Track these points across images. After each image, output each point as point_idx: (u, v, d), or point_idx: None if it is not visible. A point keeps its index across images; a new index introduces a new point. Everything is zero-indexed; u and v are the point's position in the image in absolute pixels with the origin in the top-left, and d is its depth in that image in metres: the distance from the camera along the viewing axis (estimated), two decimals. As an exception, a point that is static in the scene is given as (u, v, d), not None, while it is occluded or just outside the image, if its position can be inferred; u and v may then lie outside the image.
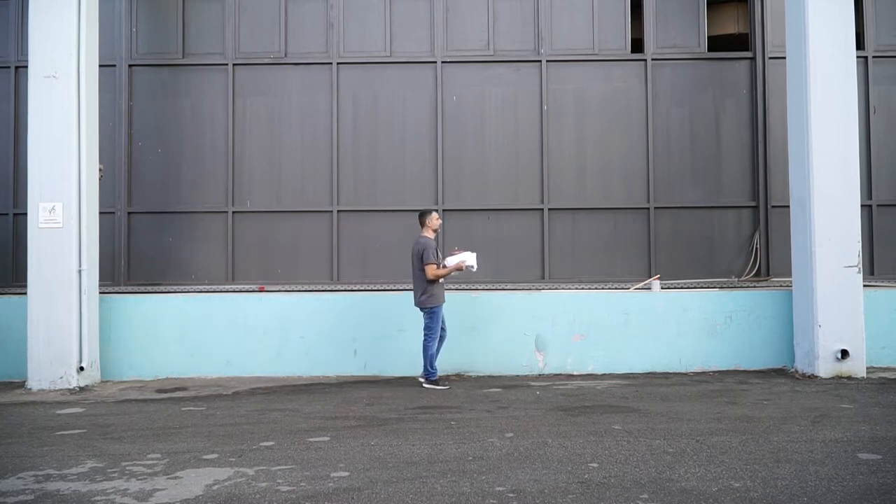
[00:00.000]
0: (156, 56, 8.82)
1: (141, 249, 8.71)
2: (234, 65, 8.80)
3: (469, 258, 7.05)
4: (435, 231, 7.23)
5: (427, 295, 7.02)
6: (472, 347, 7.86)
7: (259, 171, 8.79)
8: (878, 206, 8.78)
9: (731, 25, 9.68)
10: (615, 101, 8.86)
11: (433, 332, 7.06)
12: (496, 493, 3.80)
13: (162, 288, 8.46)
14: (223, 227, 8.70)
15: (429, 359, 7.06)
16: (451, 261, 7.07)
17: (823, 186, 7.34)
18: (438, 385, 7.05)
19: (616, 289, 8.33)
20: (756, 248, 8.72)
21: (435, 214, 7.26)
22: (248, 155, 8.80)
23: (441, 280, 7.09)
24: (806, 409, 5.85)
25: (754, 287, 8.38)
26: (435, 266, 6.96)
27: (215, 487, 3.98)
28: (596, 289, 8.39)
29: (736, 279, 8.66)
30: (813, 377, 7.27)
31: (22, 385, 7.40)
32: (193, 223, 8.76)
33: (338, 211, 8.73)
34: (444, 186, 8.75)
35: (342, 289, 8.45)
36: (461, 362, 7.85)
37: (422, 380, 7.16)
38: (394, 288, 8.43)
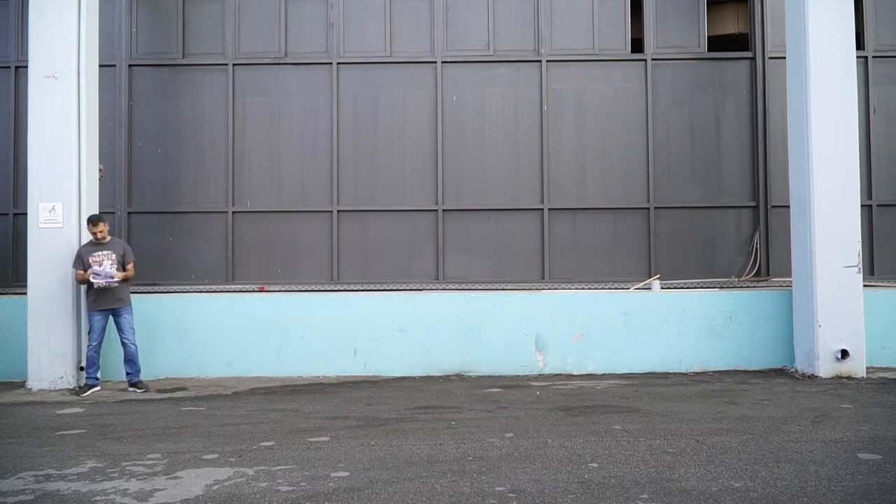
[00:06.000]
0: (156, 56, 8.82)
1: (141, 249, 8.67)
2: (234, 65, 8.80)
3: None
4: (92, 236, 7.20)
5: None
6: (472, 347, 7.87)
7: (259, 171, 8.79)
8: (878, 206, 8.78)
9: (731, 25, 9.67)
10: (615, 101, 8.86)
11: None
12: (496, 493, 3.80)
13: (162, 288, 8.45)
14: (223, 227, 8.70)
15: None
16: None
17: (823, 186, 7.34)
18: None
19: (616, 289, 8.33)
20: (756, 248, 8.71)
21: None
22: (248, 155, 8.80)
23: (101, 285, 7.01)
24: (806, 409, 5.85)
25: (754, 287, 8.38)
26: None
27: (215, 487, 3.98)
28: (596, 289, 8.39)
29: (736, 279, 8.66)
30: (813, 377, 7.27)
31: (22, 385, 7.40)
32: (193, 223, 8.76)
33: (338, 211, 8.73)
34: (444, 186, 8.75)
35: (342, 289, 8.45)
36: (461, 362, 7.86)
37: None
38: (394, 288, 8.43)
